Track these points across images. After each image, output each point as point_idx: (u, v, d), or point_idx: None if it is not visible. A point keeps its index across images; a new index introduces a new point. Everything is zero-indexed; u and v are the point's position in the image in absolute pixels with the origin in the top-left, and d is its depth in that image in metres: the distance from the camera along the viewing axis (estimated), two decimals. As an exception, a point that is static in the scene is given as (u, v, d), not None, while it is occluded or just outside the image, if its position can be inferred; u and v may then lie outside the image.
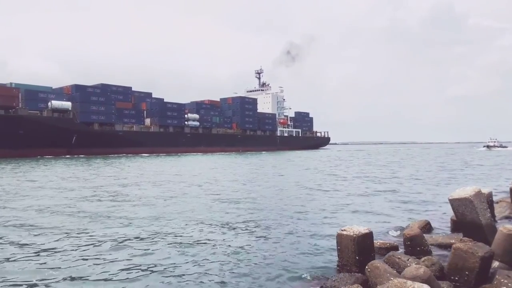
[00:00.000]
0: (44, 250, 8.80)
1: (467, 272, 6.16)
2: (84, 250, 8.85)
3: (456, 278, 6.25)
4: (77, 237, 9.99)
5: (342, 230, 7.14)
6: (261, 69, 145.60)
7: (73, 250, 8.87)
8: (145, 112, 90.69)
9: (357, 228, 7.12)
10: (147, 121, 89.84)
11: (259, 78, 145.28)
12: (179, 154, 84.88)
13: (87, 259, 8.16)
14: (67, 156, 67.68)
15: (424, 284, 5.09)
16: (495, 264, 6.69)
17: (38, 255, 8.46)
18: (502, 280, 6.00)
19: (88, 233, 10.39)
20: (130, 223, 11.81)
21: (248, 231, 10.99)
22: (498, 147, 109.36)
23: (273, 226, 11.58)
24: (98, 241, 9.60)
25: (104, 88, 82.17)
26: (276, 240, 9.89)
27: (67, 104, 72.24)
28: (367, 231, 7.07)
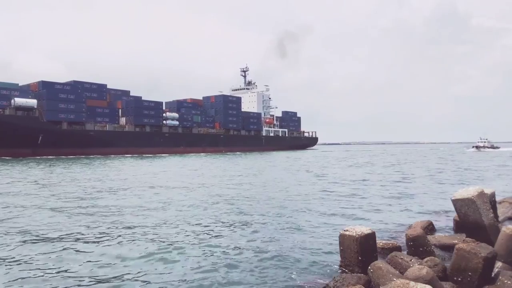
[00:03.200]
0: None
1: (470, 273, 6.52)
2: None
3: (459, 279, 6.63)
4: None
5: (344, 231, 7.56)
6: (246, 67, 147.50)
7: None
8: (120, 110, 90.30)
9: (359, 228, 7.53)
10: (123, 120, 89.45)
11: (244, 77, 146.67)
12: (156, 155, 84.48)
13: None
14: (29, 157, 66.53)
15: (427, 285, 5.50)
16: (498, 264, 7.10)
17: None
18: (505, 281, 6.44)
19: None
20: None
21: (250, 232, 11.63)
22: (488, 147, 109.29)
23: (274, 227, 12.26)
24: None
25: (75, 85, 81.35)
26: (278, 241, 10.49)
27: (32, 102, 71.33)
28: (369, 231, 7.48)
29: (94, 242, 10.40)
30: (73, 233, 11.38)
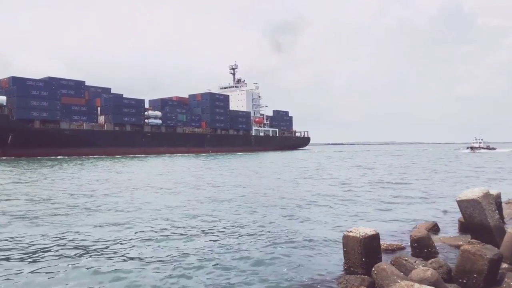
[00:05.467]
0: None
1: (475, 275, 6.88)
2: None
3: (464, 281, 7.00)
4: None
5: (348, 232, 7.92)
6: (235, 65, 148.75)
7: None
8: (99, 108, 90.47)
9: (363, 229, 7.90)
10: (101, 118, 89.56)
11: (233, 74, 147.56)
12: (137, 156, 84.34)
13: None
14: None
15: (431, 287, 5.82)
16: (504, 266, 7.48)
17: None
18: (511, 283, 6.83)
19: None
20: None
21: (253, 233, 12.22)
22: (484, 148, 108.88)
23: (278, 228, 12.89)
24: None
25: (49, 82, 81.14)
26: (282, 242, 11.05)
27: (1, 99, 71.06)
28: (373, 232, 7.85)
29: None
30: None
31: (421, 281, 6.08)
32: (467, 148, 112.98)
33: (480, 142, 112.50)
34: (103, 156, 79.97)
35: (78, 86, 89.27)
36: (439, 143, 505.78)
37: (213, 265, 9.00)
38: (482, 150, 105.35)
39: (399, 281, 6.26)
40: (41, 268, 8.85)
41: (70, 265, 9.03)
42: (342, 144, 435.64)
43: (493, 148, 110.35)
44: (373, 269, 7.17)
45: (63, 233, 12.24)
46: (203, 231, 12.54)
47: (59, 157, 73.35)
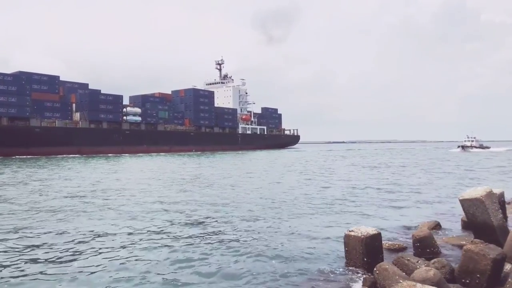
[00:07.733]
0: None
1: (478, 275, 7.20)
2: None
3: (467, 281, 7.33)
4: None
5: (350, 231, 8.28)
6: (222, 60, 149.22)
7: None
8: (74, 105, 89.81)
9: (365, 229, 8.24)
10: (76, 115, 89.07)
11: (220, 70, 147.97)
12: (114, 155, 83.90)
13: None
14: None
15: (434, 287, 6.09)
16: (508, 267, 7.78)
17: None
18: (514, 284, 7.10)
19: None
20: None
21: (252, 233, 12.65)
22: (476, 147, 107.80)
23: (279, 227, 13.41)
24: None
25: (19, 76, 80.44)
26: (283, 241, 11.51)
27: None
28: (375, 232, 8.20)
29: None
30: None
31: (423, 281, 6.31)
32: (458, 147, 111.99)
33: (472, 141, 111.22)
34: (77, 155, 79.32)
35: (51, 81, 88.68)
36: (442, 141, 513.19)
37: (213, 266, 9.34)
38: (475, 149, 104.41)
39: (401, 281, 6.51)
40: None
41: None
42: (343, 142, 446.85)
43: (487, 147, 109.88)
44: (375, 269, 7.47)
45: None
46: (201, 233, 12.80)
47: (28, 156, 72.53)
